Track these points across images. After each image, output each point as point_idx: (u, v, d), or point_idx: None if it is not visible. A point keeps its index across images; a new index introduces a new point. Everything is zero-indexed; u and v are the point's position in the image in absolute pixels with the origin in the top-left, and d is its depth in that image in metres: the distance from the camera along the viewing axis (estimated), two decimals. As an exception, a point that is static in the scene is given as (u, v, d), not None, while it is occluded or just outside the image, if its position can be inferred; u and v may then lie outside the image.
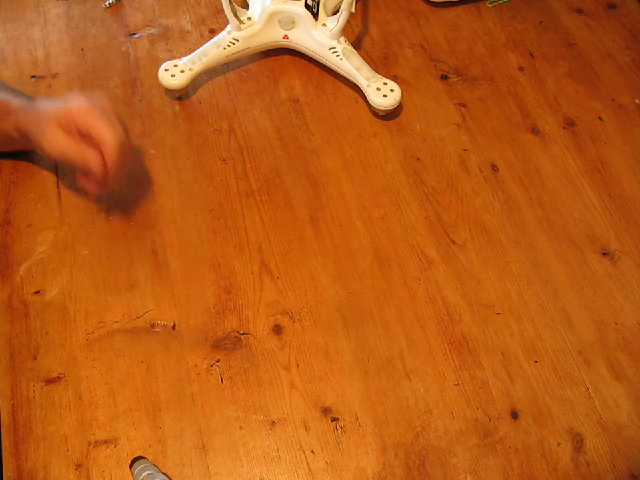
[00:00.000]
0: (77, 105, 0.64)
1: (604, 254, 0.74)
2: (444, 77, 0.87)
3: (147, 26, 0.89)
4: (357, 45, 0.89)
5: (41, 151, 0.65)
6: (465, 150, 0.81)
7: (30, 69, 0.84)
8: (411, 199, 0.76)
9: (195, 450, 0.61)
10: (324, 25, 0.81)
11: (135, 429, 0.62)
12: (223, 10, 0.92)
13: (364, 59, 0.88)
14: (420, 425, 0.63)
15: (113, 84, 0.84)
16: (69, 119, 0.64)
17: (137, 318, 0.67)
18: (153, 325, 0.67)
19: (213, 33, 0.89)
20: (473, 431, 0.63)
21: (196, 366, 0.65)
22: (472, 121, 0.83)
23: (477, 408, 0.64)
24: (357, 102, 0.83)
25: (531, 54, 0.90)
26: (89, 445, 0.61)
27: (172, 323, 0.67)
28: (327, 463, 0.61)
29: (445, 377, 0.66)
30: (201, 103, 0.83)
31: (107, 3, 0.91)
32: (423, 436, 0.63)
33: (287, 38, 0.82)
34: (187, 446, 0.61)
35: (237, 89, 0.84)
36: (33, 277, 0.69)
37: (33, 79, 0.83)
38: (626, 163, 0.80)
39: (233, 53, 0.81)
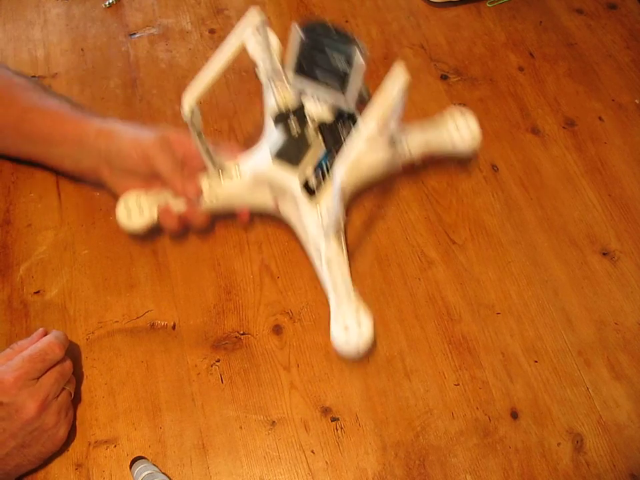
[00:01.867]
0: (174, 133, 0.64)
1: (604, 254, 0.74)
2: (444, 77, 0.87)
3: (147, 26, 0.89)
4: (356, 45, 0.89)
5: (125, 170, 0.64)
6: (465, 150, 0.80)
7: (30, 69, 0.84)
8: (411, 198, 0.76)
9: (195, 450, 0.61)
10: (319, 210, 0.64)
11: (135, 429, 0.62)
12: (223, 10, 0.92)
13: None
14: (420, 425, 0.63)
15: (113, 84, 0.84)
16: (169, 146, 0.63)
17: (137, 318, 0.67)
18: (152, 325, 0.67)
19: (212, 32, 0.89)
20: (473, 431, 0.63)
21: (196, 366, 0.65)
22: (472, 121, 0.83)
23: (477, 408, 0.64)
24: (356, 102, 0.83)
25: (531, 54, 0.90)
26: (89, 444, 0.61)
27: (172, 323, 0.67)
28: (326, 463, 0.61)
29: (445, 377, 0.66)
30: (200, 103, 0.83)
31: (106, 3, 0.91)
32: (423, 436, 0.63)
33: (278, 209, 0.68)
34: (186, 446, 0.61)
35: (236, 89, 0.84)
36: (32, 277, 0.69)
37: (33, 79, 0.83)
38: (626, 163, 0.80)
39: (212, 211, 0.67)
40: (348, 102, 0.63)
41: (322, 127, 0.65)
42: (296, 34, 0.62)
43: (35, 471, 0.59)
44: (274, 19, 0.91)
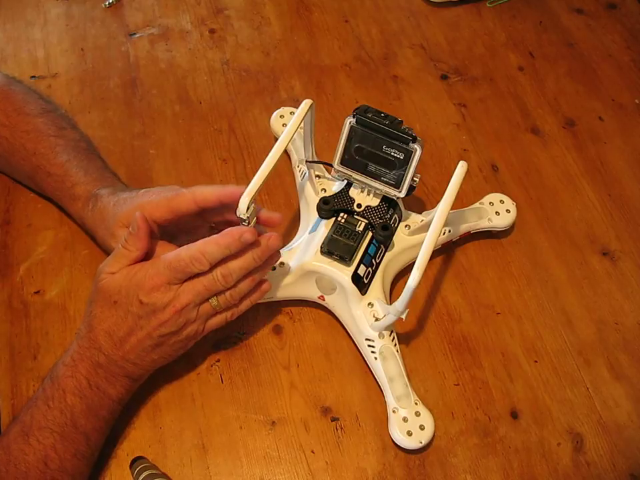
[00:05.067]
0: (147, 199, 0.59)
1: (604, 254, 0.74)
2: (444, 77, 0.87)
3: (147, 26, 0.89)
4: (357, 44, 0.89)
5: (101, 238, 0.63)
6: (465, 150, 0.80)
7: (30, 69, 0.84)
8: (411, 198, 0.76)
9: (195, 450, 0.61)
10: (370, 304, 0.63)
11: (135, 429, 0.62)
12: (223, 10, 0.92)
13: (364, 59, 0.88)
14: (420, 425, 0.63)
15: (113, 84, 0.84)
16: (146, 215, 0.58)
17: (137, 318, 0.67)
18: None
19: (212, 32, 0.89)
20: (473, 431, 0.63)
21: (196, 366, 0.65)
22: (472, 121, 0.83)
23: (477, 408, 0.64)
24: (356, 102, 0.83)
25: (530, 54, 0.90)
26: (89, 445, 0.61)
27: (172, 323, 0.67)
28: (326, 463, 0.61)
29: (445, 377, 0.66)
30: (200, 103, 0.83)
31: (106, 3, 0.91)
32: (423, 436, 0.63)
33: (323, 299, 0.66)
34: (186, 446, 0.61)
35: (237, 89, 0.84)
36: (32, 277, 0.69)
37: (32, 79, 0.83)
38: (626, 163, 0.80)
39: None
40: (401, 193, 0.62)
41: (369, 217, 0.63)
42: (348, 125, 0.60)
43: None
44: (274, 18, 0.91)
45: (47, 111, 0.70)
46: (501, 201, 0.72)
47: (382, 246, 0.64)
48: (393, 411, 0.60)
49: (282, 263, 0.64)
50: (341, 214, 0.64)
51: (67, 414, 0.54)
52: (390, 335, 0.62)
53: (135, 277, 0.54)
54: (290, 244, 0.67)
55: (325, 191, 0.68)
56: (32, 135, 0.67)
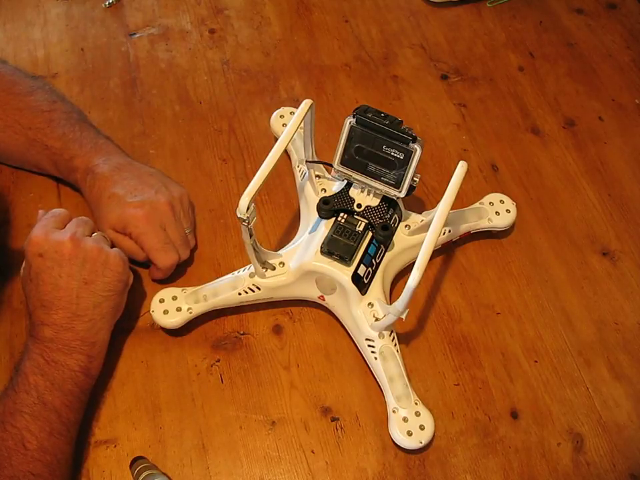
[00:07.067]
0: (133, 212, 0.64)
1: (604, 254, 0.74)
2: (444, 77, 0.87)
3: (147, 26, 0.89)
4: (357, 44, 0.89)
5: (95, 220, 0.67)
6: (465, 150, 0.81)
7: (30, 69, 0.84)
8: (411, 198, 0.76)
9: (195, 450, 0.61)
10: (370, 304, 0.62)
11: (135, 429, 0.62)
12: (223, 10, 0.92)
13: (364, 59, 0.88)
14: (420, 425, 0.63)
15: (113, 84, 0.84)
16: (123, 224, 0.65)
17: (137, 318, 0.67)
18: (153, 325, 0.67)
19: (212, 32, 0.89)
20: (473, 431, 0.63)
21: (196, 366, 0.65)
22: (472, 121, 0.83)
23: (477, 408, 0.64)
24: (356, 102, 0.83)
25: (530, 54, 0.90)
26: (89, 445, 0.61)
27: (172, 323, 0.67)
28: (326, 463, 0.61)
29: (445, 377, 0.66)
30: (201, 103, 0.83)
31: (106, 3, 0.91)
32: (423, 436, 0.63)
33: (323, 299, 0.66)
34: (186, 446, 0.61)
35: (236, 88, 0.84)
36: (33, 277, 0.69)
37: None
38: (626, 163, 0.80)
39: (250, 300, 0.66)
40: (401, 193, 0.62)
41: (369, 217, 0.63)
42: (348, 125, 0.60)
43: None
44: (274, 18, 0.91)
45: (36, 88, 0.71)
46: (501, 201, 0.72)
47: (382, 246, 0.64)
48: (393, 411, 0.60)
49: (282, 263, 0.64)
50: (341, 214, 0.64)
51: (33, 393, 0.55)
52: (390, 335, 0.62)
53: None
54: (290, 244, 0.67)
55: (325, 190, 0.68)
56: (25, 112, 0.69)
